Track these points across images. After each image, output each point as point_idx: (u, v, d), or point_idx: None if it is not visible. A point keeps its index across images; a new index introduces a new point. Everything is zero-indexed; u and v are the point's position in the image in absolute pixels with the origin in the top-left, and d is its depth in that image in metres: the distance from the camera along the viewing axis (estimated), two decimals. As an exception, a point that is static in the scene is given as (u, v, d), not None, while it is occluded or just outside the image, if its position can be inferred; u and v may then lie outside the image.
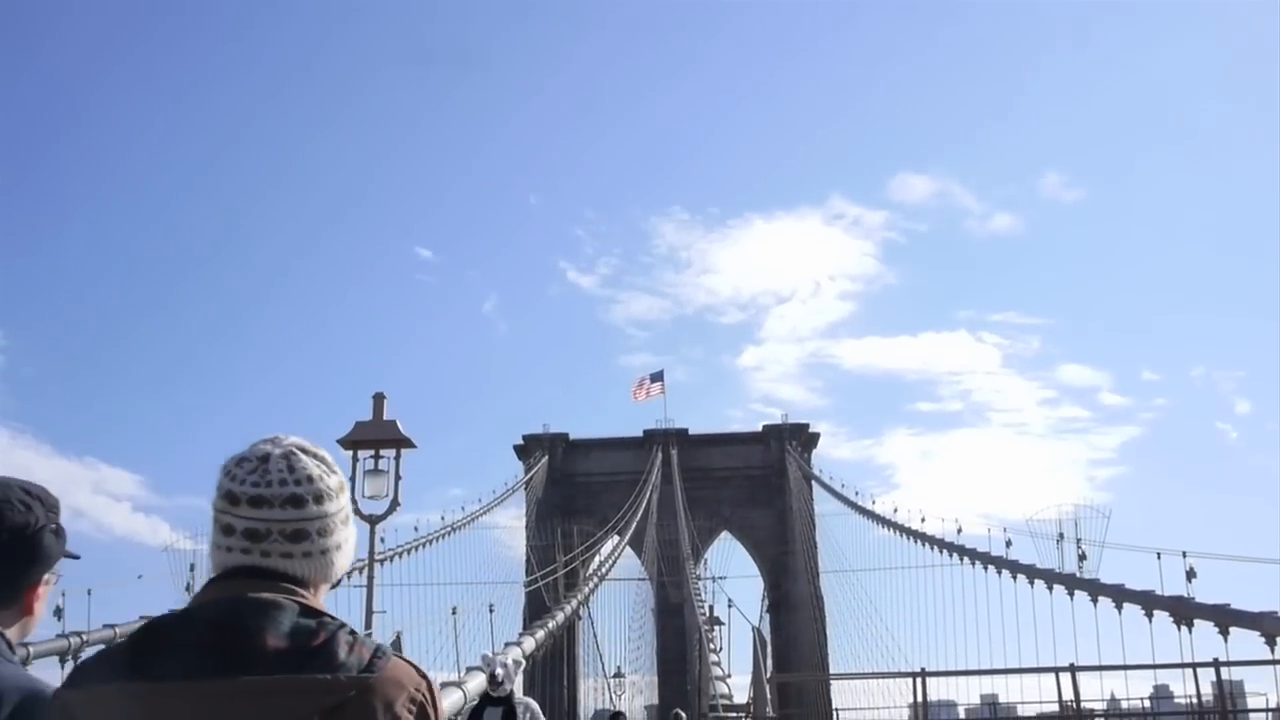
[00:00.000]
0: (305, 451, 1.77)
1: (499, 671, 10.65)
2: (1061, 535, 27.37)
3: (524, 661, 18.17)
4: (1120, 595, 23.00)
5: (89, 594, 20.85)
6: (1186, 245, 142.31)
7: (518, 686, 16.27)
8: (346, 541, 1.80)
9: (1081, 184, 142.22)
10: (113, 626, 19.99)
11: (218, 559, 1.74)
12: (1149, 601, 21.96)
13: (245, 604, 1.64)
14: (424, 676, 1.68)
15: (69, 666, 18.69)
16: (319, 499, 1.74)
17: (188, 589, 24.56)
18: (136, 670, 1.59)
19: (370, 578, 15.07)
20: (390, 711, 1.61)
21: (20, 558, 2.02)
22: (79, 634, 19.27)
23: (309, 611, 1.66)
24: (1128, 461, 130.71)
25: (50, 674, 18.03)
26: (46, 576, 2.09)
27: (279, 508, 1.71)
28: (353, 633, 1.65)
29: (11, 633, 2.04)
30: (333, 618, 1.67)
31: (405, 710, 1.63)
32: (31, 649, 17.61)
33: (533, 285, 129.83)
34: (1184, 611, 20.89)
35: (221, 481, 1.74)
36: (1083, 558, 25.99)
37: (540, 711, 11.37)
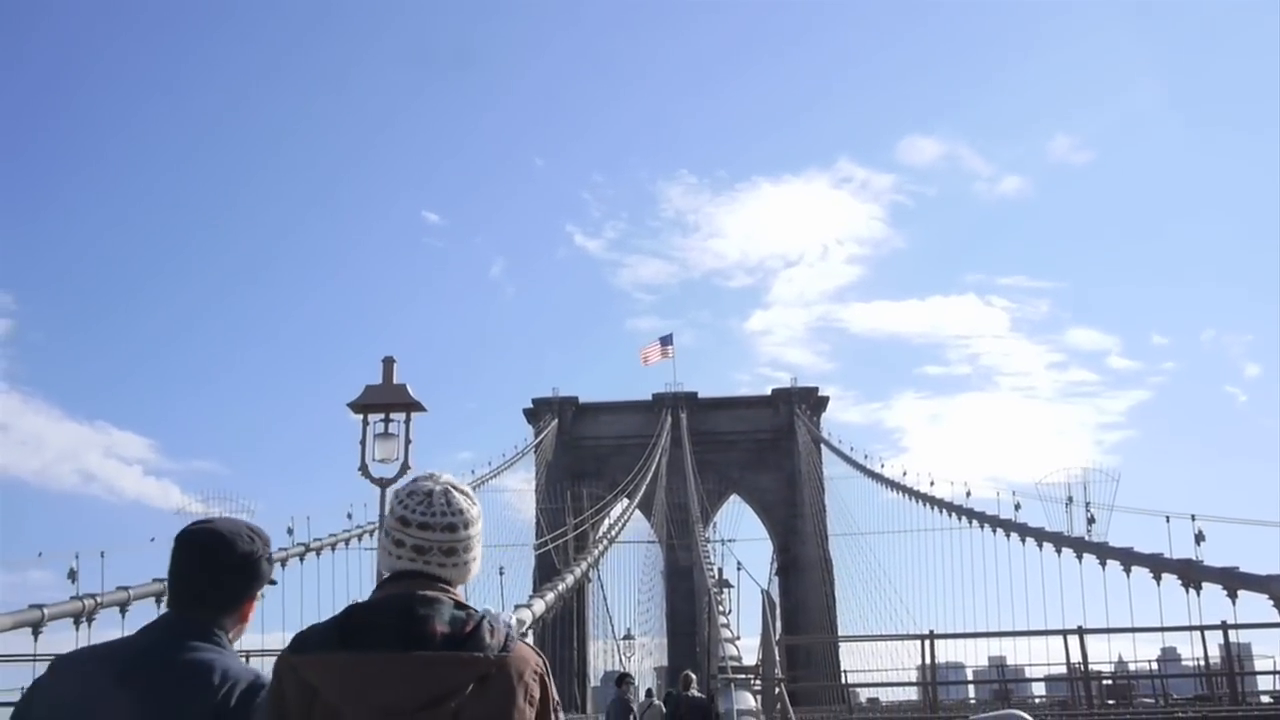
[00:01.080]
0: (456, 489, 2.46)
1: None
2: (1070, 499, 27.38)
3: (527, 622, 18.18)
4: (1129, 558, 23.00)
5: (102, 557, 20.75)
6: (1196, 208, 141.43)
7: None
8: (480, 554, 2.49)
9: (1091, 146, 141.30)
10: (126, 588, 20.05)
11: (390, 563, 2.42)
12: (1157, 564, 21.97)
13: (416, 599, 2.30)
14: (541, 656, 2.33)
15: (83, 627, 18.94)
16: (466, 526, 2.44)
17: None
18: (345, 643, 2.23)
19: (381, 540, 15.09)
20: (522, 681, 2.25)
21: (246, 578, 2.69)
22: (92, 596, 19.33)
23: (459, 605, 2.33)
24: (1136, 425, 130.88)
25: (65, 635, 18.25)
26: (259, 593, 2.75)
27: (439, 531, 2.40)
28: (491, 621, 2.28)
29: (230, 635, 2.65)
30: (475, 609, 2.32)
31: (532, 681, 2.27)
32: (47, 610, 17.76)
33: (540, 249, 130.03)
34: (1192, 574, 20.90)
35: (395, 508, 2.45)
36: (1091, 521, 25.98)
37: None
